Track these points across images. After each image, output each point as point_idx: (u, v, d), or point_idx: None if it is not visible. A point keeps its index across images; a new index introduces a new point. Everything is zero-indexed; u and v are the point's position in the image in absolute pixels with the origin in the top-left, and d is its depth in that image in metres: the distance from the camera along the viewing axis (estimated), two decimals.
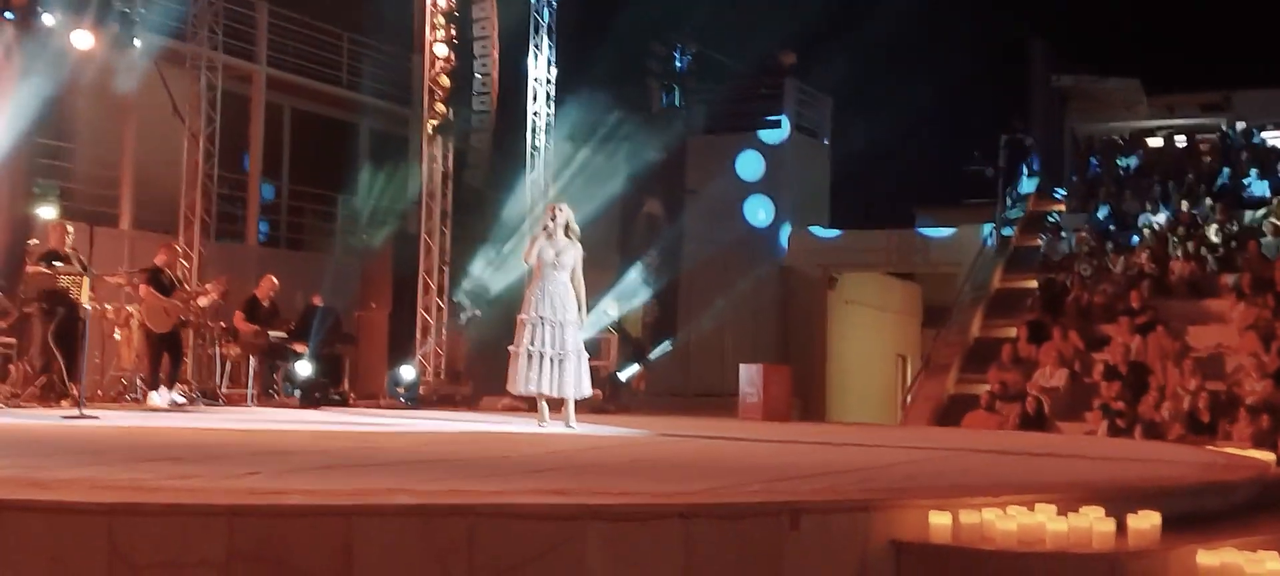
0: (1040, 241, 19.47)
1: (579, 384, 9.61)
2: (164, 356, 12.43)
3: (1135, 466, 7.78)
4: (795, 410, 17.05)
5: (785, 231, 21.79)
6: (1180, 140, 22.52)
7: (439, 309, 16.42)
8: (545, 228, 9.58)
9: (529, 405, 11.63)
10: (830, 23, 22.28)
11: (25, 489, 4.82)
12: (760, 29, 21.81)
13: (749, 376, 14.66)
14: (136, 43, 14.13)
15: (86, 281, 10.80)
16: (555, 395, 9.57)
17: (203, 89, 15.33)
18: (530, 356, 9.43)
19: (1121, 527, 5.21)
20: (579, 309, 9.63)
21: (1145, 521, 5.23)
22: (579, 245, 9.65)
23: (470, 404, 15.36)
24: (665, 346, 17.52)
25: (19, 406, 11.08)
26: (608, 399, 15.15)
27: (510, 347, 9.70)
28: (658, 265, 18.26)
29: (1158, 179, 20.07)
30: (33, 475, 5.32)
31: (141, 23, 14.23)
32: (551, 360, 9.43)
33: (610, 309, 17.30)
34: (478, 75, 17.07)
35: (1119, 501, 5.49)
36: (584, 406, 10.02)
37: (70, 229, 12.17)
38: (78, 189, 15.70)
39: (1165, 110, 24.21)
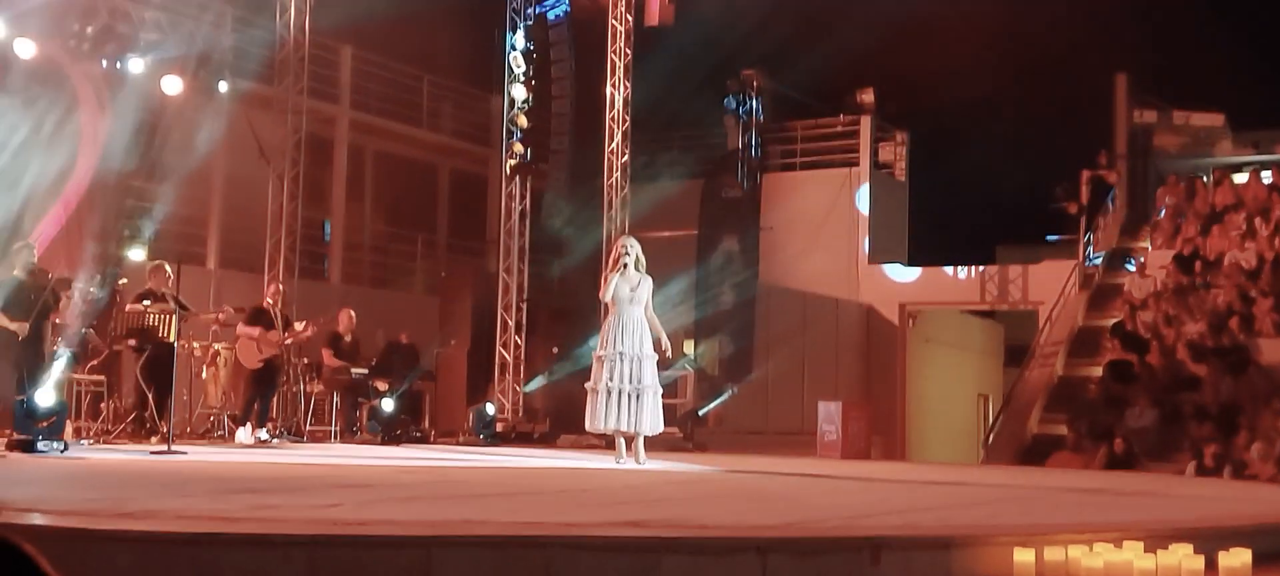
0: (1125, 279, 19.10)
1: (654, 419, 9.60)
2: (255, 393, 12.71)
3: (1225, 505, 7.58)
4: (875, 449, 16.86)
5: (862, 269, 21.64)
6: (1266, 176, 21.99)
7: (517, 346, 16.52)
8: (621, 266, 9.60)
9: (606, 443, 11.66)
10: (909, 59, 22.19)
11: (114, 520, 4.92)
12: (838, 66, 21.76)
13: (827, 413, 14.54)
14: (223, 87, 14.52)
15: (174, 318, 11.05)
16: (631, 431, 9.56)
17: (288, 132, 15.65)
18: (609, 393, 9.44)
19: (1211, 565, 5.07)
20: (659, 339, 9.66)
21: (1236, 559, 5.09)
22: (649, 277, 9.68)
23: (547, 441, 15.41)
24: (727, 393, 17.39)
25: (110, 443, 11.36)
26: (685, 436, 15.11)
27: (587, 385, 9.73)
28: (733, 302, 18.21)
29: (1244, 216, 19.60)
30: (121, 506, 5.43)
31: (228, 67, 14.62)
32: (629, 395, 9.43)
33: (686, 346, 17.27)
34: (555, 115, 17.24)
35: (1209, 539, 5.34)
36: (660, 443, 10.02)
37: (169, 270, 12.45)
38: (166, 229, 16.11)
39: (1250, 146, 23.66)
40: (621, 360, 9.42)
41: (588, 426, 9.84)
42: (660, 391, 9.71)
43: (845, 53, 20.79)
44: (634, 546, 4.58)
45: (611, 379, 9.42)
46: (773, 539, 4.79)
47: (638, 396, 9.44)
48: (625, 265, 9.55)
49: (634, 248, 9.66)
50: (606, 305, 9.77)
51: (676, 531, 4.94)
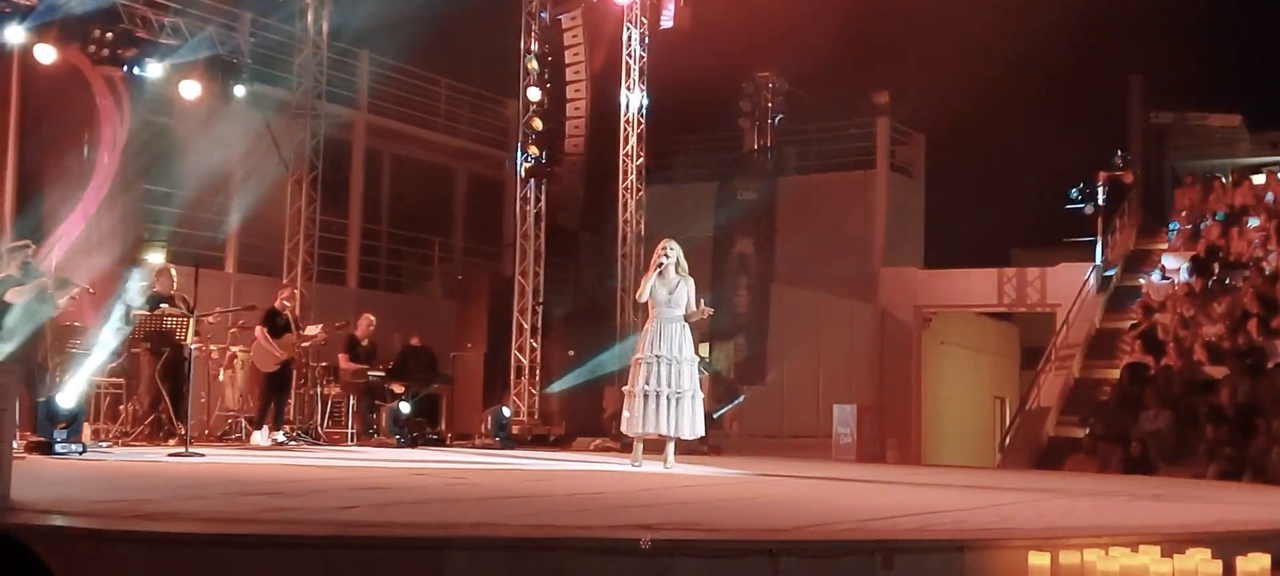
0: (1142, 281, 19.03)
1: (693, 423, 9.58)
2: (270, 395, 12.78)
3: (1244, 509, 7.55)
4: (890, 452, 16.83)
5: (878, 271, 21.62)
6: None
7: (532, 349, 16.54)
8: (658, 268, 9.57)
9: (623, 445, 11.65)
10: (924, 61, 22.16)
11: (131, 521, 4.96)
12: (853, 68, 21.75)
13: (843, 416, 14.53)
14: (241, 91, 14.58)
15: (191, 321, 11.11)
16: (670, 434, 9.53)
17: (306, 136, 15.70)
18: (647, 397, 9.41)
19: (1229, 570, 5.05)
20: (700, 310, 9.63)
21: (1254, 564, 5.07)
22: (690, 279, 9.67)
23: (563, 444, 15.43)
24: (737, 400, 17.37)
25: (128, 444, 11.42)
26: (699, 439, 15.11)
27: (625, 388, 9.72)
28: (748, 305, 18.21)
29: (1263, 217, 19.51)
30: (138, 508, 5.47)
31: (247, 72, 14.69)
32: (667, 399, 9.39)
33: (702, 349, 17.28)
34: (570, 118, 17.25)
35: (1227, 544, 5.33)
36: (678, 447, 10.00)
37: (174, 272, 12.51)
38: (185, 233, 16.18)
39: (1268, 146, 23.55)
40: (660, 363, 9.39)
41: (624, 429, 9.83)
42: (700, 395, 9.69)
43: (861, 55, 20.79)
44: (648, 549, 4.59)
45: (649, 382, 9.39)
46: (785, 542, 4.80)
47: (676, 400, 9.41)
48: (662, 267, 9.52)
49: (674, 250, 9.61)
50: (645, 307, 9.75)
51: (689, 534, 4.95)
